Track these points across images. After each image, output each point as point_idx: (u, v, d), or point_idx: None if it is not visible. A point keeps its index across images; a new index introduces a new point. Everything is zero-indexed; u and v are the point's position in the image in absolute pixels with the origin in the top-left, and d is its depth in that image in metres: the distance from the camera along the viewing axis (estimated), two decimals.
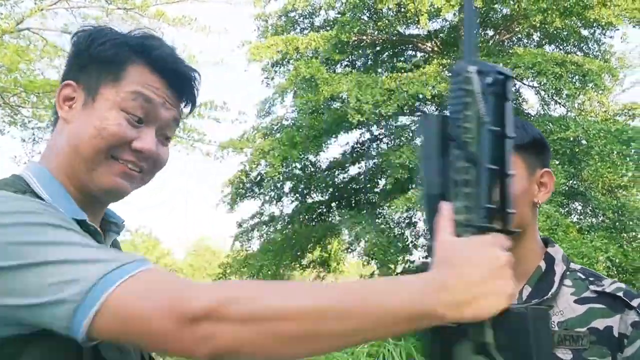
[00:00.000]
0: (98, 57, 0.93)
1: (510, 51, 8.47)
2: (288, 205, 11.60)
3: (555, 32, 9.29)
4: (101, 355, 0.82)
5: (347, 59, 11.06)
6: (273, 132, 10.55)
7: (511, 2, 8.99)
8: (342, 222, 9.41)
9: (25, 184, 0.88)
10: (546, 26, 8.76)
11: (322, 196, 11.83)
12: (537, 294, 1.08)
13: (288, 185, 11.22)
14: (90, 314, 0.66)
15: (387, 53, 11.46)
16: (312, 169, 11.12)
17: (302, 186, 11.29)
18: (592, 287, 1.08)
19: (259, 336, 0.65)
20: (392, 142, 10.67)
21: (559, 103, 9.36)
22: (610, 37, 8.93)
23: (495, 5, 9.20)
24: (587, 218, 8.72)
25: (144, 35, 0.96)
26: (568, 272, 1.11)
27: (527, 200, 1.10)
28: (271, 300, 0.66)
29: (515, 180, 0.79)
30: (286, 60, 10.14)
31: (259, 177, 10.72)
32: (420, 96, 8.44)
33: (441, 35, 10.59)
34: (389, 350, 7.14)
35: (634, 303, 1.03)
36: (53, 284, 0.68)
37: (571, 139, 7.11)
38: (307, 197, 11.67)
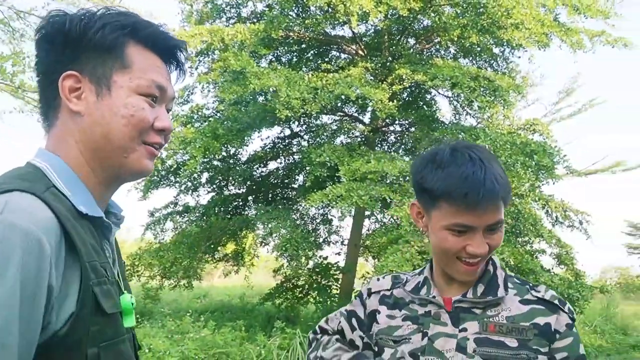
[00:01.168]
0: (99, 44, 0.93)
1: (431, 62, 8.90)
2: (204, 196, 11.44)
3: (470, 47, 9.89)
4: None
5: (273, 54, 11.07)
6: (193, 120, 10.34)
7: (432, 14, 9.44)
8: (258, 216, 9.43)
9: (47, 178, 0.89)
10: (463, 41, 9.30)
11: (239, 189, 11.77)
12: (489, 292, 1.29)
13: (205, 176, 11.06)
14: None
15: (312, 51, 11.61)
16: (232, 162, 11.03)
17: (220, 178, 11.17)
18: (532, 292, 1.30)
19: None
20: (313, 139, 10.83)
21: (470, 114, 9.99)
22: (518, 57, 9.74)
23: (419, 16, 9.61)
24: None
25: (128, 13, 0.97)
26: (508, 277, 1.34)
27: None
28: None
29: None
30: (211, 50, 9.97)
31: (175, 166, 10.49)
32: (343, 97, 8.65)
33: (365, 39, 10.90)
34: (300, 343, 7.29)
35: (565, 308, 1.28)
36: None
37: None
38: (224, 189, 11.56)
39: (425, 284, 1.35)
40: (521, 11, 7.84)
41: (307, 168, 9.50)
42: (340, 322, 1.48)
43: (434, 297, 1.31)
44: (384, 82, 9.03)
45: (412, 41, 11.16)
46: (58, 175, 0.90)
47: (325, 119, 11.17)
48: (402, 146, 11.50)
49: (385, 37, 10.36)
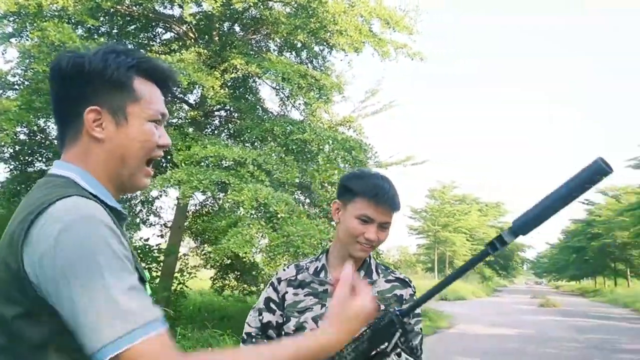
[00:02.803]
0: (114, 82, 1.11)
1: (263, 55, 9.34)
2: (3, 174, 10.27)
3: (295, 42, 10.60)
4: None
5: (91, 25, 10.36)
6: None
7: (261, 6, 9.89)
8: None
9: (79, 185, 1.09)
10: (291, 38, 9.94)
11: (46, 166, 10.80)
12: (368, 276, 1.89)
13: (9, 151, 9.94)
14: (111, 355, 0.87)
15: (135, 25, 11.14)
16: (42, 136, 10.09)
17: (27, 153, 10.14)
18: (392, 275, 1.94)
19: None
20: None
21: (295, 107, 10.74)
22: (340, 60, 10.74)
23: (251, 8, 9.96)
24: (312, 207, 10.29)
25: (130, 51, 1.18)
26: (377, 265, 1.95)
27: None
28: None
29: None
30: (23, 13, 8.98)
31: None
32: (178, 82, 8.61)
33: (194, 21, 10.84)
34: None
35: (411, 285, 1.93)
36: (97, 316, 0.88)
37: (305, 140, 8.36)
38: (30, 166, 10.52)
39: (323, 270, 1.91)
40: (344, 18, 8.75)
41: None
42: (260, 316, 1.92)
43: (330, 279, 1.89)
44: (216, 70, 9.22)
45: (238, 29, 11.45)
46: (85, 182, 1.10)
47: None
48: (226, 131, 11.79)
49: (216, 23, 10.48)
